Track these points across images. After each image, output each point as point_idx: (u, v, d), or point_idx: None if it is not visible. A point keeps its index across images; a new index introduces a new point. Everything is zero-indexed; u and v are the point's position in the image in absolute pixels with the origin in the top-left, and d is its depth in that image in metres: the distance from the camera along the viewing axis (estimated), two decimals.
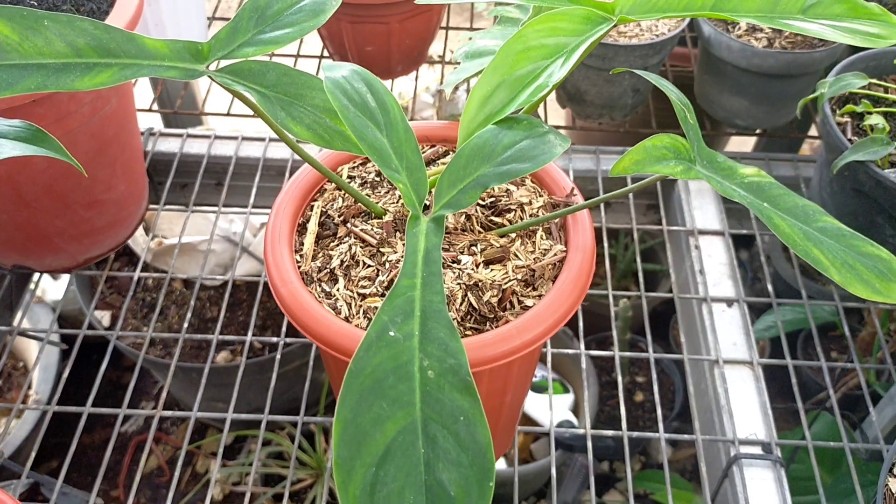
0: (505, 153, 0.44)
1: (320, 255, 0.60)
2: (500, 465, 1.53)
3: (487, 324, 0.57)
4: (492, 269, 0.58)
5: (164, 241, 1.57)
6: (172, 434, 1.77)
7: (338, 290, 0.58)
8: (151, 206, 1.06)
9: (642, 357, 0.82)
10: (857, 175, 0.76)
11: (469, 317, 0.57)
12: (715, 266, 0.89)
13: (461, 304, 0.56)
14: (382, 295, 0.56)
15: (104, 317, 1.62)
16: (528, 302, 0.58)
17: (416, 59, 1.09)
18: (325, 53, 1.11)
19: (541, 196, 0.64)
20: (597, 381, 1.58)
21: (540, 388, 1.57)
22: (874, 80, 0.82)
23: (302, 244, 0.61)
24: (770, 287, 0.88)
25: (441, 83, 1.31)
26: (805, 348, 1.63)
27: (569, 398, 1.56)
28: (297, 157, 1.01)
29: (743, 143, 1.74)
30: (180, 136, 1.02)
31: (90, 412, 0.79)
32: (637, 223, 0.94)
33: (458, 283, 0.56)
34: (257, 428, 1.67)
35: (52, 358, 1.53)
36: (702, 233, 0.92)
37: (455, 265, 0.58)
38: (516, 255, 0.59)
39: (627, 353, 0.83)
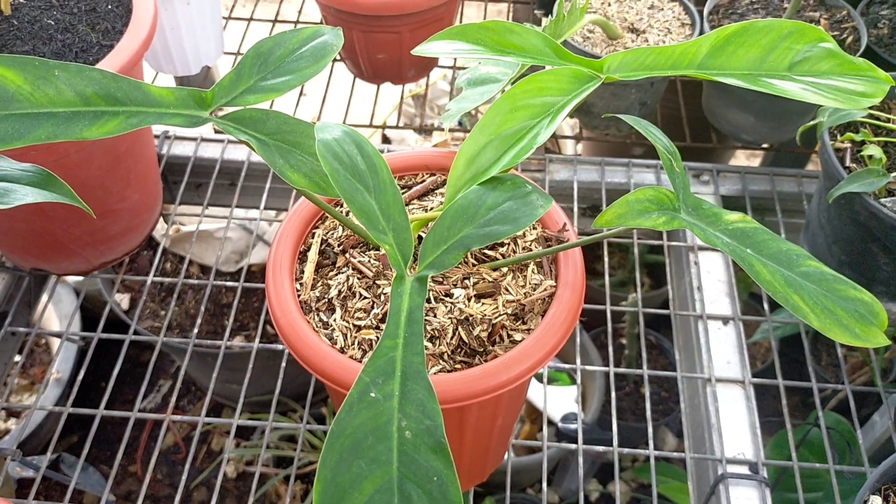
0: (488, 215, 0.46)
1: (319, 284, 0.63)
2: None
3: (477, 357, 0.59)
4: (483, 304, 0.60)
5: (181, 228, 1.60)
6: (189, 412, 1.82)
7: (335, 320, 0.60)
8: (166, 206, 1.09)
9: (637, 373, 0.84)
10: (852, 204, 0.77)
11: (459, 350, 0.59)
12: (713, 283, 0.90)
13: (452, 338, 0.59)
14: (377, 327, 0.59)
15: (123, 299, 1.66)
16: (517, 336, 0.60)
17: (428, 64, 1.10)
18: (338, 57, 1.13)
19: (534, 228, 0.66)
20: (603, 373, 1.61)
21: (549, 380, 1.59)
22: (872, 110, 0.83)
23: (302, 272, 0.63)
24: (766, 305, 0.90)
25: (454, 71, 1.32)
26: (813, 348, 1.64)
27: (575, 389, 1.58)
28: None
29: (753, 156, 1.74)
30: (195, 139, 1.04)
31: (104, 415, 0.82)
32: (638, 236, 0.96)
33: (450, 318, 0.59)
34: (269, 411, 1.71)
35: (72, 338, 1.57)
36: (701, 248, 0.94)
37: (447, 299, 0.60)
38: (507, 290, 0.61)
39: (621, 370, 0.85)
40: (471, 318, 0.59)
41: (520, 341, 0.59)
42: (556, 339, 0.58)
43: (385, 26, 0.98)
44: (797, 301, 0.55)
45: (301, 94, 1.12)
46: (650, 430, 0.80)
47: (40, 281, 0.95)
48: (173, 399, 0.83)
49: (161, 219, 1.51)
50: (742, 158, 1.82)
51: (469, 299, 0.60)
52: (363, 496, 0.38)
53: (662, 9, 0.99)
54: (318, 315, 0.61)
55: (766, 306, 0.90)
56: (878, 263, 0.79)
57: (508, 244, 0.64)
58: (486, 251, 0.63)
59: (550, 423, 1.55)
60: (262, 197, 1.01)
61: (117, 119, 0.51)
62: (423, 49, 0.54)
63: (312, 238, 0.66)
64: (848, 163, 0.79)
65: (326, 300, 0.61)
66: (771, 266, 0.56)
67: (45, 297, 1.56)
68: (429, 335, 0.58)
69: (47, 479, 1.49)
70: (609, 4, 0.99)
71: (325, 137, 0.46)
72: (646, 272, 1.86)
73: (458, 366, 0.58)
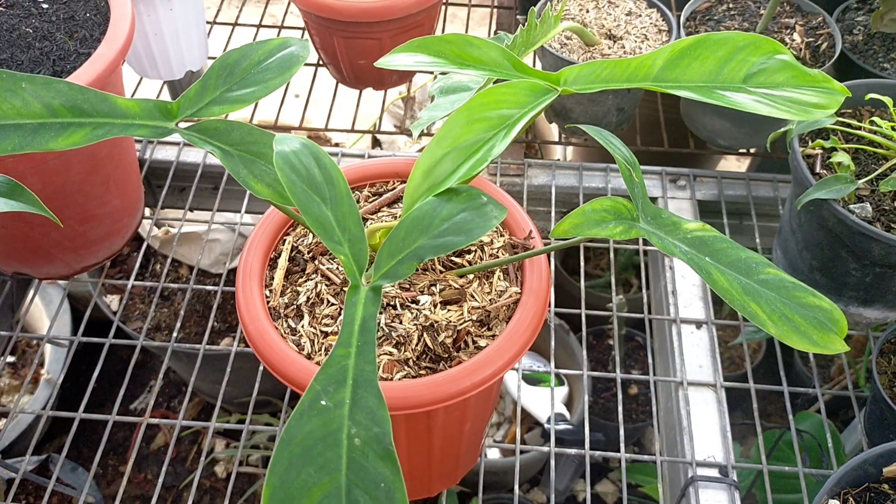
0: (442, 226, 0.47)
1: (289, 290, 0.64)
2: (494, 454, 1.58)
3: (441, 363, 0.60)
4: (448, 310, 0.61)
5: (170, 230, 1.61)
6: (179, 412, 1.83)
7: (302, 326, 0.61)
8: (154, 209, 1.10)
9: (610, 377, 0.85)
10: (821, 211, 0.78)
11: (424, 356, 0.60)
12: (687, 287, 0.91)
13: (417, 344, 0.60)
14: None
15: (112, 301, 1.67)
16: (482, 342, 0.61)
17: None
18: (322, 62, 1.14)
19: (502, 236, 0.67)
20: (590, 377, 1.62)
21: (535, 381, 1.60)
22: (844, 116, 0.84)
23: (272, 279, 0.64)
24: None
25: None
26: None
27: (562, 391, 1.59)
28: None
29: (744, 161, 1.74)
30: (177, 144, 1.05)
31: (85, 408, 0.84)
32: (615, 240, 0.97)
33: (415, 324, 0.60)
34: (260, 411, 1.72)
35: (63, 336, 1.58)
36: None
37: (413, 305, 0.61)
38: (473, 297, 0.62)
39: (595, 373, 0.86)
40: (436, 325, 0.60)
41: (484, 347, 0.60)
42: (519, 344, 0.59)
43: (365, 33, 0.99)
44: (755, 308, 0.56)
45: (289, 94, 1.13)
46: (622, 432, 0.81)
47: (24, 284, 0.96)
48: (151, 403, 0.85)
49: (150, 221, 1.52)
50: (733, 163, 1.83)
51: (435, 306, 0.61)
52: (311, 502, 0.39)
53: (640, 15, 1.00)
54: (286, 321, 0.62)
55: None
56: (848, 269, 0.80)
57: (475, 251, 0.65)
58: (453, 258, 0.64)
59: (537, 423, 1.56)
60: (243, 201, 1.02)
61: (83, 130, 0.52)
62: (386, 61, 0.55)
63: (283, 245, 0.67)
64: (818, 169, 0.80)
65: (295, 306, 0.62)
66: (729, 274, 0.57)
67: (36, 300, 1.56)
68: (394, 341, 0.59)
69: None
70: (587, 11, 1.00)
71: (283, 149, 0.47)
72: (634, 273, 1.87)
73: (422, 371, 0.59)
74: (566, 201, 1.04)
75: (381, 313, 0.60)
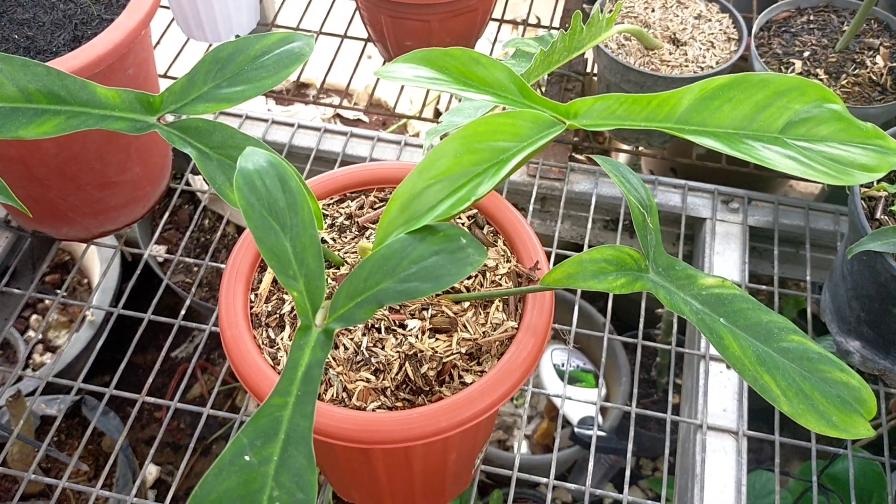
0: (409, 269, 0.43)
1: (274, 297, 0.60)
2: (523, 449, 1.55)
3: (421, 396, 0.56)
4: (437, 339, 0.57)
5: None
6: (218, 366, 1.84)
7: (282, 338, 0.58)
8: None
9: (625, 409, 0.80)
10: (874, 262, 0.70)
11: (404, 386, 0.56)
12: None
13: (397, 373, 0.56)
14: None
15: (160, 251, 1.68)
16: (468, 378, 0.57)
17: None
18: (373, 39, 1.09)
19: (508, 261, 0.62)
20: (629, 380, 1.56)
21: (572, 380, 1.55)
22: None
23: (260, 282, 0.61)
24: None
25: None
26: None
27: (596, 392, 1.54)
28: (332, 149, 1.01)
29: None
30: (213, 114, 1.02)
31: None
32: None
33: (398, 351, 0.56)
34: None
35: (111, 282, 1.59)
36: None
37: (400, 330, 0.57)
38: (465, 327, 0.58)
39: (608, 403, 0.81)
40: (420, 355, 0.56)
41: (470, 384, 0.56)
42: (507, 385, 0.55)
43: (414, 14, 0.94)
44: (767, 381, 0.50)
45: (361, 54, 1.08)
46: (627, 471, 0.76)
47: (45, 244, 0.95)
48: (151, 379, 0.83)
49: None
50: (809, 188, 1.70)
51: (423, 332, 0.57)
52: None
53: (710, 20, 0.92)
54: (266, 331, 0.59)
55: None
56: None
57: (476, 276, 0.61)
58: None
59: (568, 423, 1.51)
60: None
61: (58, 119, 0.49)
62: (384, 72, 0.50)
63: None
64: (879, 214, 0.73)
65: (278, 316, 0.59)
66: (744, 339, 0.51)
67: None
68: (373, 368, 0.56)
69: (69, 418, 1.52)
70: (652, 10, 0.93)
71: (247, 167, 0.43)
72: None
73: (399, 403, 0.56)
74: (608, 210, 0.98)
75: (363, 335, 0.57)
